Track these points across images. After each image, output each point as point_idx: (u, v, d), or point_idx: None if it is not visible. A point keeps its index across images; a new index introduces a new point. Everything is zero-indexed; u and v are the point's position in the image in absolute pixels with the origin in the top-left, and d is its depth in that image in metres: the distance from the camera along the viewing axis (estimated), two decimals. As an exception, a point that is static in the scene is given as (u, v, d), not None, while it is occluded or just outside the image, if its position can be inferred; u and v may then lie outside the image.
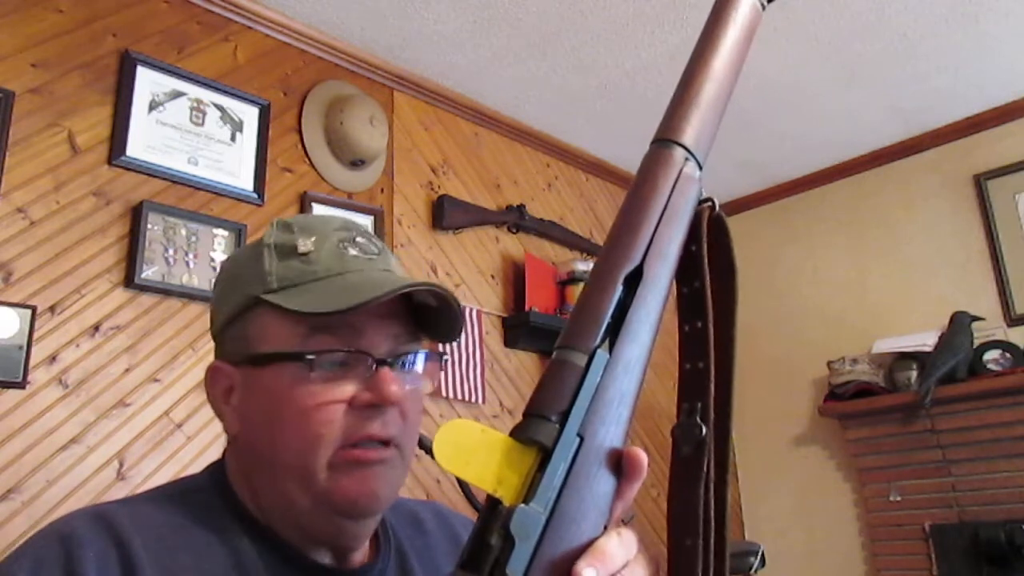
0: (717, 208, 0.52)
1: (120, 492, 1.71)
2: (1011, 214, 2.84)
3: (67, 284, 1.76)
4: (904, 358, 2.85)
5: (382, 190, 2.44)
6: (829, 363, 3.02)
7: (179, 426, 1.84)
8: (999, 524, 2.53)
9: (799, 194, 3.42)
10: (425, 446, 1.72)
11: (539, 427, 0.44)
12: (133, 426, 1.78)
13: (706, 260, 0.51)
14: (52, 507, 1.62)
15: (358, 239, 0.73)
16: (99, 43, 1.93)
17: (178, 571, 0.62)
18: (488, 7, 2.27)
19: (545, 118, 2.90)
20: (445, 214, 2.54)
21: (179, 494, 0.70)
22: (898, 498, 2.83)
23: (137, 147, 1.92)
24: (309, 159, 2.28)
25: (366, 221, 2.34)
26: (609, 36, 2.43)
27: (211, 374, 0.73)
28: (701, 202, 0.52)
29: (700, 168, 0.52)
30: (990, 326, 2.76)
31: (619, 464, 0.46)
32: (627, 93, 2.73)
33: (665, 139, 0.52)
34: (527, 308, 2.61)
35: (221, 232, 2.01)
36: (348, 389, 0.66)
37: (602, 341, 0.46)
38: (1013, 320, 2.77)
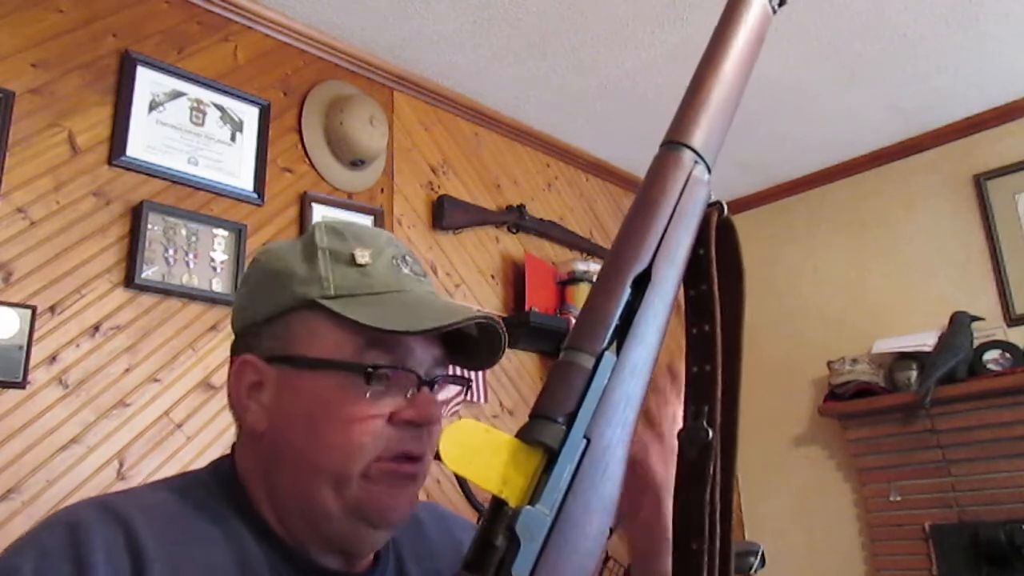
0: (726, 211, 0.52)
1: (120, 492, 1.71)
2: (1011, 214, 2.84)
3: (67, 284, 1.76)
4: (904, 358, 2.85)
5: (382, 190, 2.44)
6: (829, 363, 3.02)
7: (179, 426, 1.84)
8: (999, 524, 2.53)
9: (799, 194, 3.42)
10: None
11: (545, 428, 0.44)
12: (133, 426, 1.78)
13: (714, 263, 0.51)
14: (52, 507, 1.62)
15: (407, 257, 0.75)
16: (99, 43, 1.93)
17: (184, 561, 0.62)
18: (488, 7, 2.27)
19: (545, 118, 2.90)
20: (445, 214, 2.54)
21: (183, 487, 0.69)
22: (898, 498, 2.83)
23: (137, 147, 1.92)
24: (309, 159, 2.28)
25: (366, 221, 2.34)
26: (609, 36, 2.43)
27: (239, 367, 0.72)
28: (710, 205, 0.52)
29: (709, 171, 0.52)
30: (990, 326, 2.76)
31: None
32: (627, 93, 2.73)
33: (674, 141, 0.52)
34: (527, 308, 2.61)
35: (221, 232, 2.01)
36: (391, 404, 0.68)
37: (609, 343, 0.46)
38: (1013, 320, 2.77)
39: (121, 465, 1.74)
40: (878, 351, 2.93)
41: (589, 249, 3.02)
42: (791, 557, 3.04)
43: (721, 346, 0.50)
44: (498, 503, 0.44)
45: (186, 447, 1.84)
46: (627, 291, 0.48)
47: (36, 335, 1.68)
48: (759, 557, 2.24)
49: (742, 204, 3.50)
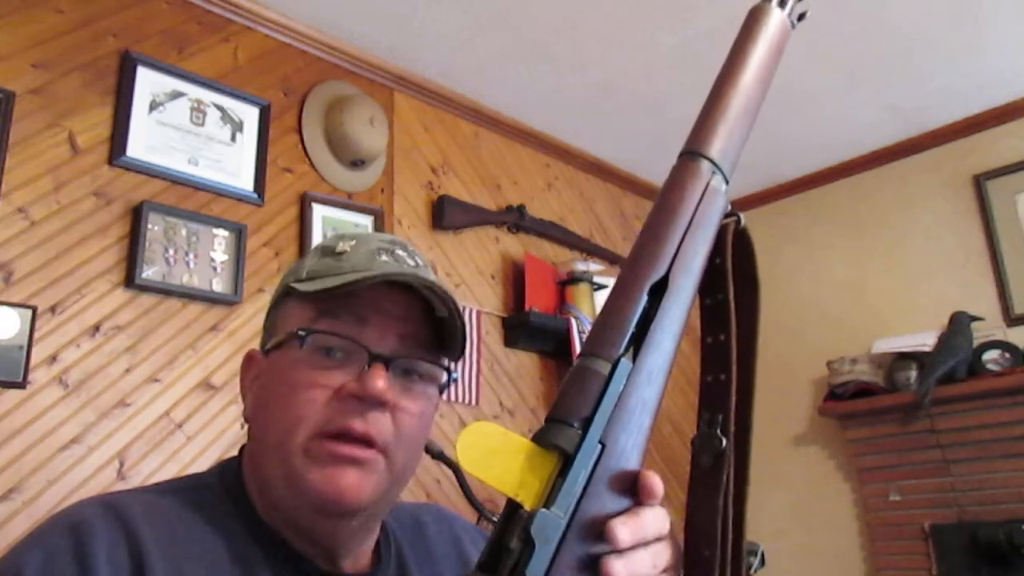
0: (743, 222, 0.53)
1: (120, 492, 1.71)
2: (1011, 214, 2.84)
3: (67, 284, 1.76)
4: (904, 358, 2.85)
5: (382, 190, 2.44)
6: (829, 363, 3.02)
7: (179, 426, 1.84)
8: (999, 524, 2.53)
9: (799, 194, 3.42)
10: (429, 450, 1.72)
11: (561, 433, 0.45)
12: (133, 426, 1.78)
13: (731, 273, 0.52)
14: (52, 507, 1.62)
15: (398, 251, 0.73)
16: (99, 43, 1.93)
17: (185, 564, 0.62)
18: (488, 7, 2.28)
19: (545, 118, 2.90)
20: (445, 214, 2.54)
21: (186, 489, 0.70)
22: (898, 498, 2.83)
23: (137, 147, 1.93)
24: (309, 159, 2.28)
25: (366, 221, 2.35)
26: (609, 36, 2.43)
27: (245, 362, 0.75)
28: (727, 215, 0.53)
29: (727, 181, 0.53)
30: (990, 326, 2.76)
31: (635, 484, 0.46)
32: (627, 93, 2.73)
33: (693, 152, 0.53)
34: (527, 308, 2.61)
35: (221, 232, 2.01)
36: (340, 377, 0.66)
37: (626, 350, 0.47)
38: (1012, 320, 2.77)
39: (121, 465, 1.74)
40: (878, 351, 2.93)
41: (589, 249, 3.02)
42: (791, 557, 3.04)
43: (736, 355, 0.50)
44: (513, 506, 0.44)
45: (186, 447, 1.84)
46: (644, 299, 0.48)
47: (36, 335, 1.68)
48: (759, 557, 2.24)
49: (742, 204, 3.50)
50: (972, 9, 2.34)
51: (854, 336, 3.05)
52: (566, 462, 0.44)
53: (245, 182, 2.11)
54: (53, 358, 1.70)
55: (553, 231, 2.91)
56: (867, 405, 2.87)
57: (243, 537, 0.67)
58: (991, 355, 2.69)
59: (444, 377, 0.72)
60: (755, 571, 2.36)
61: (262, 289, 2.03)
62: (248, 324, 1.98)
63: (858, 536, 2.99)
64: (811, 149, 3.18)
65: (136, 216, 1.88)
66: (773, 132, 2.99)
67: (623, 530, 0.44)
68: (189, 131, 2.04)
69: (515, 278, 2.74)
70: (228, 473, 0.72)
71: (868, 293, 3.13)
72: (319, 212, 2.24)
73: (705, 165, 0.52)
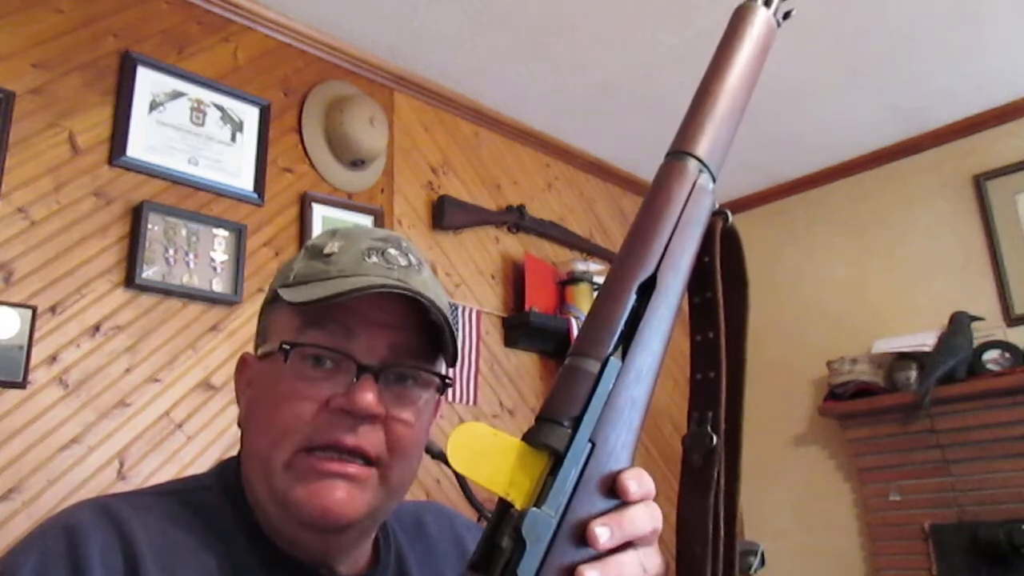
0: (730, 220, 0.53)
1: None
2: (1011, 214, 2.84)
3: (67, 284, 1.76)
4: (904, 358, 2.85)
5: (382, 190, 2.44)
6: (829, 363, 3.02)
7: (179, 426, 1.84)
8: (999, 524, 2.53)
9: (799, 194, 3.42)
10: (429, 450, 1.72)
11: (551, 432, 0.45)
12: (133, 426, 1.78)
13: (719, 271, 0.52)
14: (52, 507, 1.62)
15: (390, 250, 0.70)
16: (99, 43, 1.93)
17: (179, 564, 0.62)
18: (488, 7, 2.28)
19: (545, 118, 2.90)
20: (445, 214, 2.54)
21: (183, 491, 0.70)
22: (898, 498, 2.83)
23: (137, 147, 1.93)
24: (309, 159, 2.28)
25: (366, 221, 2.35)
26: (609, 37, 2.43)
27: (239, 364, 0.75)
28: (714, 214, 0.53)
29: (714, 180, 0.53)
30: (990, 326, 2.76)
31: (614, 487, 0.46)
32: (627, 93, 2.73)
33: (680, 151, 0.53)
34: (527, 308, 2.61)
35: (221, 232, 2.01)
36: (329, 390, 0.64)
37: (615, 349, 0.47)
38: (1013, 320, 2.77)
39: (121, 465, 1.74)
40: (878, 351, 2.93)
41: (589, 249, 3.02)
42: (791, 557, 3.04)
43: (725, 353, 0.50)
44: (504, 505, 0.44)
45: (186, 447, 1.84)
46: (632, 298, 0.48)
47: (36, 335, 1.68)
48: (759, 557, 2.24)
49: (742, 204, 3.50)
50: (972, 9, 2.34)
51: (854, 336, 3.05)
52: (556, 461, 0.45)
53: (245, 182, 2.11)
54: (53, 358, 1.70)
55: (553, 231, 2.92)
56: (867, 405, 2.87)
57: (239, 540, 0.67)
58: (991, 355, 2.69)
59: (439, 381, 0.70)
60: (755, 571, 2.36)
61: (262, 289, 2.03)
62: (248, 324, 1.98)
63: (858, 536, 2.99)
64: (811, 149, 3.18)
65: (136, 216, 1.88)
66: (773, 132, 2.99)
67: (603, 531, 0.44)
68: (189, 131, 2.04)
69: (515, 278, 2.74)
70: (227, 474, 0.72)
71: (868, 293, 3.13)
72: (319, 212, 2.24)
73: (692, 164, 0.52)
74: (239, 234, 2.03)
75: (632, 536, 0.45)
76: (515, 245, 2.80)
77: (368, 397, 0.63)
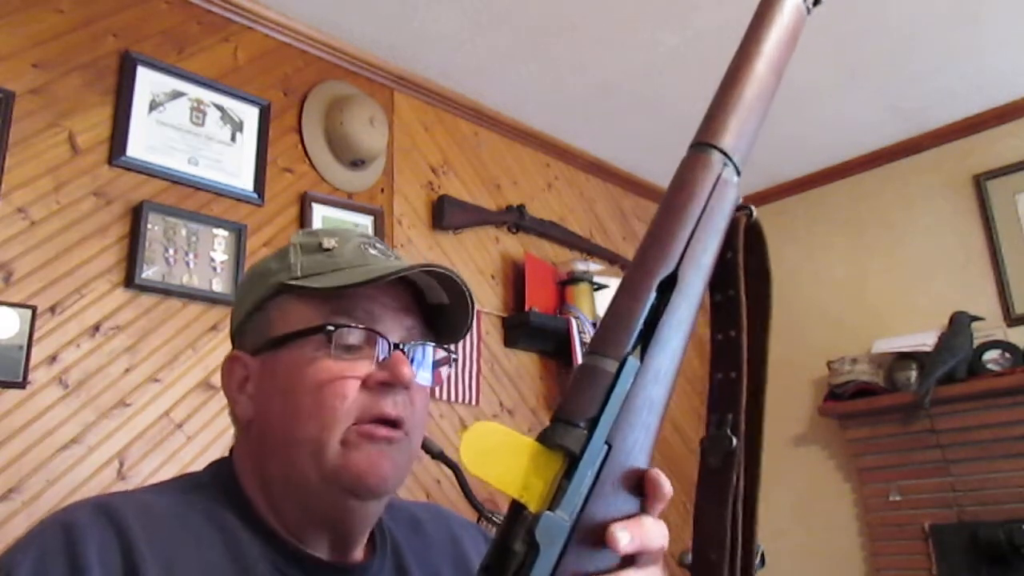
0: (754, 215, 0.51)
1: (120, 492, 1.71)
2: (1011, 214, 2.84)
3: (67, 284, 1.76)
4: (904, 358, 2.84)
5: (382, 190, 2.44)
6: (829, 363, 3.02)
7: (179, 426, 1.84)
8: (999, 524, 2.53)
9: (799, 194, 3.42)
10: (429, 450, 1.71)
11: (567, 433, 0.44)
12: (133, 426, 1.78)
13: (742, 268, 0.50)
14: (52, 507, 1.62)
15: (377, 244, 0.77)
16: (99, 43, 1.93)
17: (178, 562, 0.62)
18: (488, 7, 2.27)
19: (545, 118, 2.90)
20: (445, 214, 2.54)
21: (180, 488, 0.70)
22: (898, 498, 2.83)
23: (137, 147, 1.92)
24: (309, 159, 2.28)
25: (366, 221, 2.35)
26: (609, 36, 2.43)
27: (228, 363, 0.75)
28: (738, 208, 0.51)
29: (739, 173, 0.51)
30: (990, 326, 2.76)
31: (641, 483, 0.45)
32: (627, 93, 2.73)
33: (703, 143, 0.51)
34: (527, 308, 2.61)
35: (221, 232, 2.01)
36: (363, 368, 0.68)
37: (633, 348, 0.46)
38: (1013, 320, 2.77)
39: (121, 465, 1.74)
40: (878, 351, 2.93)
41: (589, 249, 3.02)
42: (791, 557, 3.04)
43: (747, 353, 0.49)
44: (517, 507, 0.43)
45: (186, 447, 1.84)
46: (652, 295, 0.47)
47: (36, 335, 1.68)
48: (759, 557, 2.24)
49: (741, 204, 3.49)
50: (972, 9, 2.34)
51: (854, 336, 3.05)
52: (572, 463, 0.43)
53: (245, 182, 2.11)
54: (53, 358, 1.70)
55: (553, 231, 2.91)
56: (867, 405, 2.86)
57: (240, 533, 0.67)
58: (991, 355, 2.69)
59: (446, 356, 0.77)
60: (755, 571, 2.35)
61: (262, 289, 2.03)
62: (248, 324, 1.97)
63: (858, 536, 2.99)
64: (811, 149, 3.17)
65: (136, 216, 1.88)
66: (773, 132, 2.99)
67: (623, 534, 0.43)
68: (189, 131, 2.04)
69: (515, 278, 2.74)
70: (223, 472, 0.73)
71: (868, 293, 3.13)
72: (319, 212, 2.24)
73: (716, 156, 0.50)
74: (239, 234, 2.03)
75: (647, 546, 0.44)
76: (515, 245, 2.80)
77: (406, 370, 0.68)
